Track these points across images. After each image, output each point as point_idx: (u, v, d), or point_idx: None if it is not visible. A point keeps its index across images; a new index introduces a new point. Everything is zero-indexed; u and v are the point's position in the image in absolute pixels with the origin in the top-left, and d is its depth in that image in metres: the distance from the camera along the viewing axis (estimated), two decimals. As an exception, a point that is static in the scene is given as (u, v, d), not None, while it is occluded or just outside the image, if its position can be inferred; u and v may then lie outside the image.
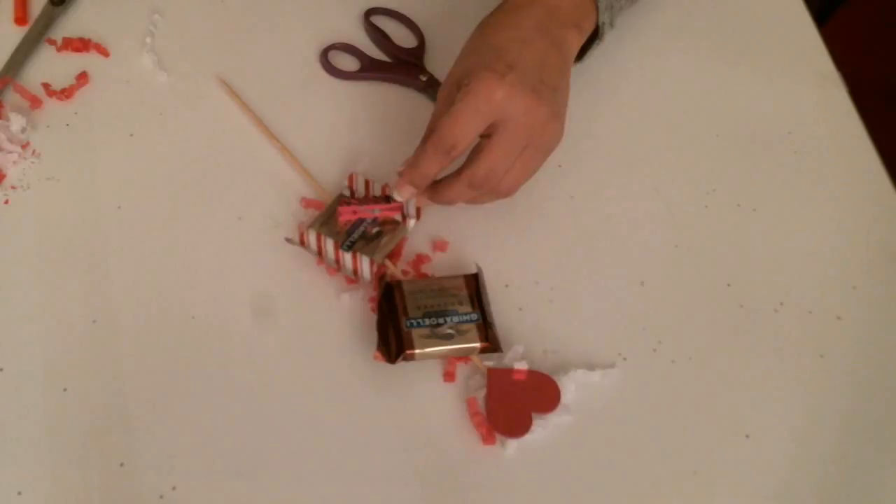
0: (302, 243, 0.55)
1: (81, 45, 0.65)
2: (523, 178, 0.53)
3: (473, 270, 0.55)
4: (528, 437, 0.49)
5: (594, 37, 0.59)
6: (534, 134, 0.51)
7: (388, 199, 0.56)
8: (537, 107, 0.50)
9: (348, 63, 0.67)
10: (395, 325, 0.51)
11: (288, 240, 0.55)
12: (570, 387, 0.51)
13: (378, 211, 0.55)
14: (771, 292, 0.57)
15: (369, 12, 0.70)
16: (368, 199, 0.56)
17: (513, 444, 0.49)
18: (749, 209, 0.61)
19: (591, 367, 0.52)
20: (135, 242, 0.56)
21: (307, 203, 0.58)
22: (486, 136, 0.51)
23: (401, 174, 0.53)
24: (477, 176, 0.51)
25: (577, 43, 0.56)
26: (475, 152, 0.52)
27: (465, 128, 0.50)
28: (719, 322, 0.55)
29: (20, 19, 0.66)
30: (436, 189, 0.54)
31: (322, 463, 0.48)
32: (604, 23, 0.58)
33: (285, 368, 0.51)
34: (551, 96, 0.52)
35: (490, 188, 0.53)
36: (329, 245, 0.54)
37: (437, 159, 0.51)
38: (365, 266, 0.53)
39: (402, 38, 0.69)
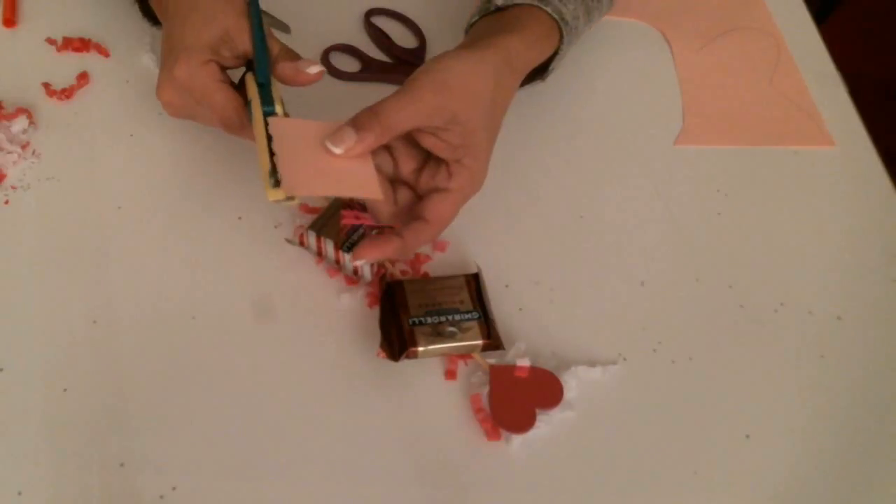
0: (302, 244, 0.55)
1: (81, 45, 0.65)
2: None
3: (473, 270, 0.55)
4: (531, 432, 0.49)
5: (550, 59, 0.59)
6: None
7: None
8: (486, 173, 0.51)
9: (349, 64, 0.67)
10: (398, 323, 0.51)
11: (288, 240, 0.55)
12: (572, 383, 0.51)
13: None
14: (771, 293, 0.57)
15: (370, 13, 0.70)
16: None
17: (517, 440, 0.49)
18: (749, 209, 0.61)
19: (592, 364, 0.52)
20: (135, 242, 0.56)
21: (306, 209, 0.58)
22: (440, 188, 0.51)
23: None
24: (434, 237, 0.51)
25: (516, 88, 0.55)
26: (436, 214, 0.50)
27: (450, 208, 0.50)
28: (720, 322, 0.55)
29: (8, 21, 0.66)
30: (406, 248, 0.51)
31: (324, 463, 0.48)
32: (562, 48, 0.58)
33: (285, 368, 0.51)
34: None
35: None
36: (329, 246, 0.54)
37: (379, 141, 0.48)
38: (365, 266, 0.53)
39: (403, 38, 0.69)
